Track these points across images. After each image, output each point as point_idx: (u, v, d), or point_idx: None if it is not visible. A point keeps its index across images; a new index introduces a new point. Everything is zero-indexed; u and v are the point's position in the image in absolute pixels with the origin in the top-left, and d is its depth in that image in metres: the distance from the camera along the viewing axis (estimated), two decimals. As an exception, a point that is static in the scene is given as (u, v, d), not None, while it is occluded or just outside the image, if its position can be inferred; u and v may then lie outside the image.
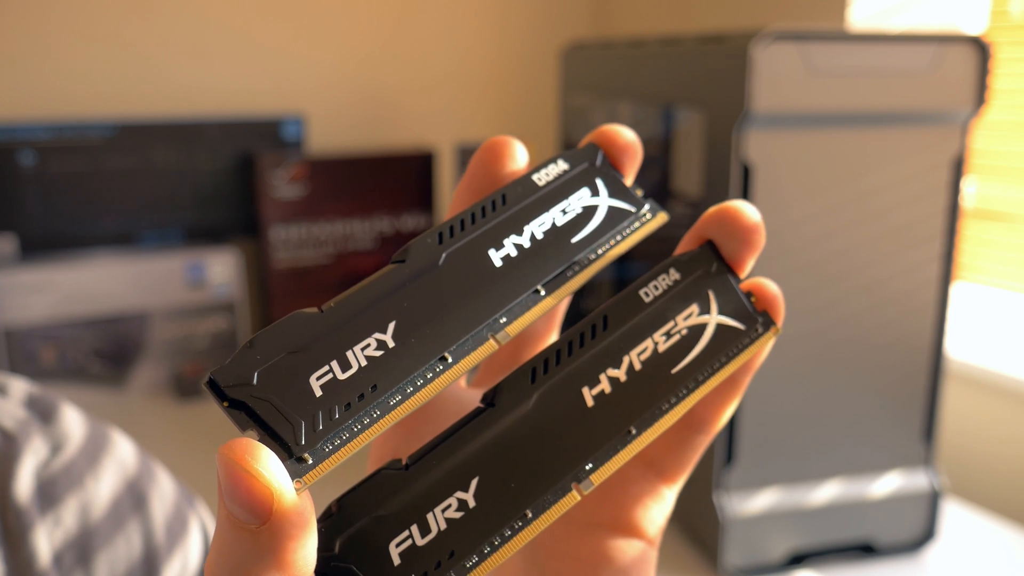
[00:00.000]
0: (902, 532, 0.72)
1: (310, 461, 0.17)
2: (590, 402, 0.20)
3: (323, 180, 1.17)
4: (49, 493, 0.37)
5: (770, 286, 0.23)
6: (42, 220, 1.10)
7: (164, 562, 0.39)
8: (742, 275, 0.23)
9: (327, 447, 0.17)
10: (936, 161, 0.66)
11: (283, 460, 0.17)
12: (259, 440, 0.17)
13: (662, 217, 0.23)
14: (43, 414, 0.39)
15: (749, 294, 0.22)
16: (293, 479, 0.16)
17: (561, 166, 0.23)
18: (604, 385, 0.20)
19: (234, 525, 0.16)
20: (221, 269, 1.13)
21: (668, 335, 0.21)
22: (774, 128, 0.63)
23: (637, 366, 0.21)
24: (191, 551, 0.41)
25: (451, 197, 1.32)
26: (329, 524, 0.18)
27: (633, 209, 0.23)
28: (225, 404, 0.17)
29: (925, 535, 0.72)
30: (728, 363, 0.21)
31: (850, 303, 0.67)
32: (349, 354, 0.18)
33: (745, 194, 0.64)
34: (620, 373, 0.21)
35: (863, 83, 0.63)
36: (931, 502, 0.72)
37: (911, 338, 0.69)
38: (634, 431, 0.20)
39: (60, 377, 1.07)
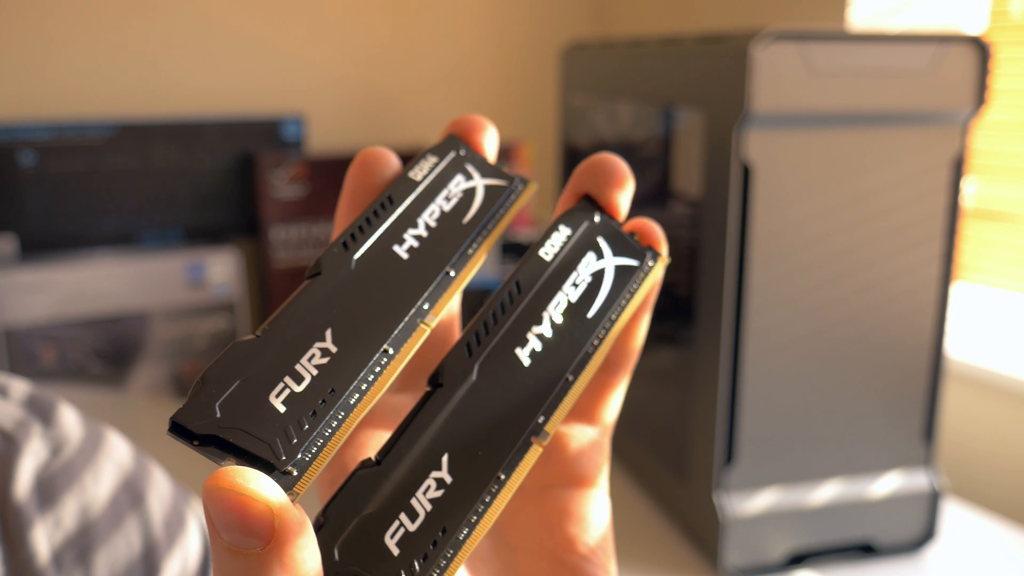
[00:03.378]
0: (902, 532, 0.72)
1: (295, 473, 0.18)
2: (526, 361, 0.22)
3: (323, 180, 1.17)
4: (48, 493, 0.37)
5: (649, 223, 0.25)
6: (42, 220, 1.10)
7: (164, 559, 0.39)
8: (621, 218, 0.25)
9: (306, 456, 0.18)
10: (936, 161, 0.66)
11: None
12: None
13: (533, 187, 0.25)
14: (42, 415, 0.39)
15: (632, 234, 0.25)
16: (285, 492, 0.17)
17: (431, 159, 0.24)
18: (534, 343, 0.22)
19: (237, 555, 0.16)
20: (221, 269, 1.13)
21: (575, 285, 0.23)
22: (774, 128, 0.63)
23: (557, 319, 0.23)
24: (190, 548, 0.41)
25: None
26: (322, 536, 0.18)
27: (505, 184, 0.25)
28: (195, 443, 0.17)
29: (925, 535, 0.72)
30: (633, 297, 0.24)
31: (850, 303, 0.67)
32: (298, 367, 0.19)
33: (745, 194, 0.64)
34: (544, 329, 0.22)
35: (863, 83, 0.63)
36: (931, 502, 0.72)
37: (911, 338, 0.69)
38: (571, 378, 0.22)
39: (60, 377, 1.07)
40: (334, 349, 0.19)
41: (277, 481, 0.17)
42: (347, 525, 0.18)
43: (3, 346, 1.03)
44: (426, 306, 0.21)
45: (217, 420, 0.18)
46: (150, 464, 0.42)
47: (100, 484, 0.39)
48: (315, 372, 0.19)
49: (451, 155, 0.25)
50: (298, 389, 0.18)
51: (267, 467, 0.17)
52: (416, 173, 0.24)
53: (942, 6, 0.97)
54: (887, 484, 0.71)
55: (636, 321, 0.25)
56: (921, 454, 0.72)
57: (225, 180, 1.18)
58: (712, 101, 0.66)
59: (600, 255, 0.24)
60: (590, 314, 0.23)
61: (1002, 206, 1.00)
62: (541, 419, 0.21)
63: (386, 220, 0.23)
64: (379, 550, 0.18)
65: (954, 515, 0.79)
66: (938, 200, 0.67)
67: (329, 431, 0.18)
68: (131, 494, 0.40)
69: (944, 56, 0.64)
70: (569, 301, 0.23)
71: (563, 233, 0.24)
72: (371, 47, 1.27)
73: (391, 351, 0.20)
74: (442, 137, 0.25)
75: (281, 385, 0.18)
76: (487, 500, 0.20)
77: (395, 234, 0.22)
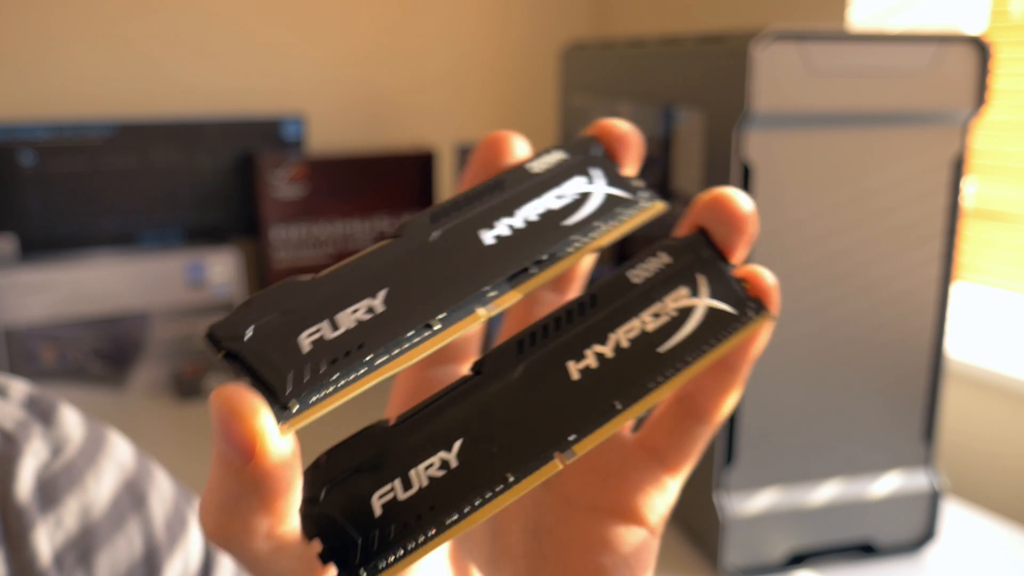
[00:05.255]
0: (902, 532, 0.72)
1: (295, 409, 0.18)
2: (575, 376, 0.21)
3: (323, 180, 1.17)
4: (50, 494, 0.37)
5: (764, 274, 0.23)
6: (42, 220, 1.10)
7: (165, 561, 0.39)
8: (734, 261, 0.23)
9: (312, 397, 0.18)
10: (936, 161, 0.66)
11: (270, 407, 0.18)
12: (250, 387, 0.18)
13: (659, 206, 0.23)
14: (43, 415, 0.39)
15: (742, 280, 0.23)
16: (278, 423, 0.18)
17: (557, 155, 0.23)
18: (590, 360, 0.21)
19: (223, 463, 0.17)
20: (221, 269, 1.13)
21: (656, 315, 0.22)
22: (774, 128, 0.63)
23: (624, 344, 0.21)
24: (192, 549, 0.41)
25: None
26: (316, 474, 0.19)
27: (629, 196, 0.23)
28: (221, 355, 0.18)
29: (925, 535, 0.72)
30: (718, 345, 0.22)
31: (850, 303, 0.67)
32: (339, 316, 0.19)
33: (745, 194, 0.64)
34: (606, 350, 0.21)
35: (863, 83, 0.63)
36: (931, 502, 0.72)
37: (911, 338, 0.69)
38: (619, 406, 0.20)
39: (60, 377, 1.07)
40: (381, 309, 0.20)
41: (277, 412, 0.18)
42: (341, 472, 0.19)
43: (3, 346, 1.03)
44: (492, 294, 0.21)
45: (246, 341, 0.18)
46: (152, 465, 0.42)
47: (101, 485, 0.39)
48: (353, 325, 0.19)
49: (581, 156, 0.23)
50: (330, 336, 0.19)
51: (272, 395, 0.18)
52: (536, 165, 0.23)
53: (942, 6, 0.97)
54: (887, 484, 0.71)
55: (731, 377, 0.24)
56: (921, 454, 0.72)
57: (225, 180, 1.18)
58: (712, 101, 0.66)
59: (695, 292, 0.22)
60: (662, 349, 0.21)
61: (1002, 206, 1.00)
62: (572, 437, 0.20)
63: (485, 203, 0.22)
64: (363, 505, 0.18)
65: (954, 515, 0.79)
66: (938, 200, 0.67)
67: (343, 382, 0.19)
68: (133, 495, 0.40)
69: (944, 56, 0.64)
70: (644, 330, 0.21)
71: (661, 260, 0.22)
72: (371, 47, 1.27)
73: (437, 327, 0.20)
74: (581, 135, 0.24)
75: (316, 327, 0.19)
76: (487, 496, 0.19)
77: (487, 219, 0.22)
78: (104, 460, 0.39)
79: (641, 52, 0.79)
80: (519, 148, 0.24)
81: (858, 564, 0.71)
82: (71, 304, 1.06)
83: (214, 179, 1.17)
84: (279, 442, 0.17)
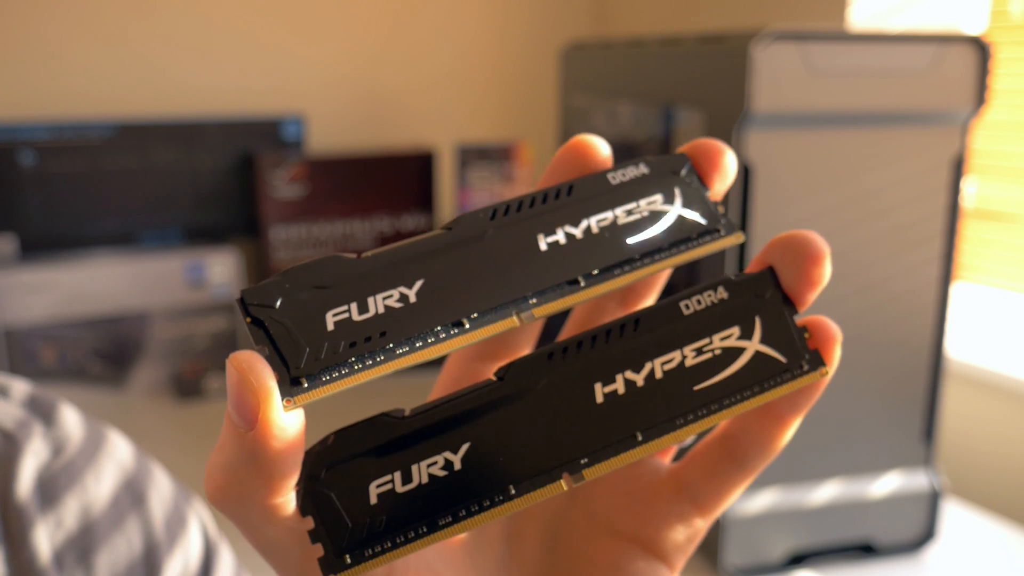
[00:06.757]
0: (902, 532, 0.72)
1: (305, 385, 0.18)
2: (600, 398, 0.20)
3: (323, 180, 1.17)
4: (49, 493, 0.37)
5: (829, 326, 0.21)
6: (42, 220, 1.10)
7: (165, 560, 0.39)
8: (801, 308, 0.21)
9: (325, 376, 0.18)
10: (936, 161, 0.66)
11: (282, 379, 0.18)
12: (267, 357, 0.18)
13: (738, 236, 0.22)
14: (43, 415, 0.39)
15: (803, 329, 0.21)
16: (285, 398, 0.18)
17: (641, 169, 0.22)
18: (619, 385, 0.20)
19: (229, 425, 0.18)
20: (221, 269, 1.13)
21: (699, 351, 0.20)
22: (774, 128, 0.63)
23: (658, 374, 0.20)
24: (191, 548, 0.41)
25: (451, 197, 1.30)
26: (322, 452, 0.19)
27: (705, 222, 0.22)
28: (248, 320, 0.19)
29: (925, 535, 0.72)
30: (760, 394, 0.20)
31: (850, 303, 0.67)
32: (370, 300, 0.19)
33: (745, 194, 0.64)
34: (638, 377, 0.20)
35: (863, 83, 0.63)
36: (931, 502, 0.72)
37: (911, 338, 0.69)
38: (640, 437, 0.20)
39: (60, 377, 1.07)
40: (413, 299, 0.19)
41: (287, 386, 0.18)
42: (346, 456, 0.19)
43: (3, 346, 1.03)
44: (533, 300, 0.20)
45: (273, 310, 0.19)
46: (151, 464, 0.42)
47: (101, 484, 0.39)
48: (381, 311, 0.19)
49: (666, 172, 0.22)
50: (357, 318, 0.19)
51: (287, 368, 0.18)
52: (615, 176, 0.22)
53: (942, 6, 0.97)
54: (887, 484, 0.71)
55: (779, 426, 0.22)
56: (921, 454, 0.72)
57: (225, 180, 1.18)
58: (712, 101, 0.66)
59: (748, 335, 0.21)
60: (699, 387, 0.20)
61: (1002, 206, 1.00)
62: (584, 461, 0.19)
63: (548, 208, 0.21)
64: (360, 491, 0.19)
65: (954, 515, 0.79)
66: (938, 200, 0.67)
67: (359, 366, 0.19)
68: (132, 494, 0.40)
69: (944, 56, 0.64)
70: (683, 364, 0.20)
71: (719, 295, 0.21)
72: (371, 47, 1.27)
73: (466, 325, 0.19)
74: (675, 152, 0.23)
75: (344, 307, 0.19)
76: (485, 504, 0.19)
77: (547, 224, 0.21)
78: (104, 459, 0.39)
79: (641, 52, 0.79)
80: (601, 156, 0.22)
81: (858, 564, 0.71)
82: (71, 304, 1.06)
83: (214, 179, 1.17)
84: (283, 415, 0.17)
